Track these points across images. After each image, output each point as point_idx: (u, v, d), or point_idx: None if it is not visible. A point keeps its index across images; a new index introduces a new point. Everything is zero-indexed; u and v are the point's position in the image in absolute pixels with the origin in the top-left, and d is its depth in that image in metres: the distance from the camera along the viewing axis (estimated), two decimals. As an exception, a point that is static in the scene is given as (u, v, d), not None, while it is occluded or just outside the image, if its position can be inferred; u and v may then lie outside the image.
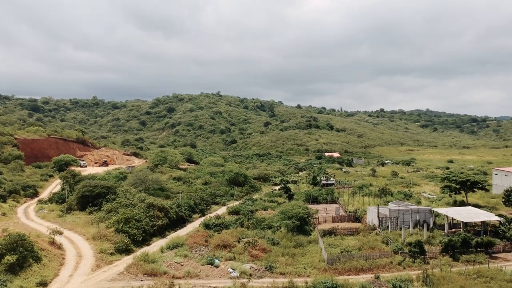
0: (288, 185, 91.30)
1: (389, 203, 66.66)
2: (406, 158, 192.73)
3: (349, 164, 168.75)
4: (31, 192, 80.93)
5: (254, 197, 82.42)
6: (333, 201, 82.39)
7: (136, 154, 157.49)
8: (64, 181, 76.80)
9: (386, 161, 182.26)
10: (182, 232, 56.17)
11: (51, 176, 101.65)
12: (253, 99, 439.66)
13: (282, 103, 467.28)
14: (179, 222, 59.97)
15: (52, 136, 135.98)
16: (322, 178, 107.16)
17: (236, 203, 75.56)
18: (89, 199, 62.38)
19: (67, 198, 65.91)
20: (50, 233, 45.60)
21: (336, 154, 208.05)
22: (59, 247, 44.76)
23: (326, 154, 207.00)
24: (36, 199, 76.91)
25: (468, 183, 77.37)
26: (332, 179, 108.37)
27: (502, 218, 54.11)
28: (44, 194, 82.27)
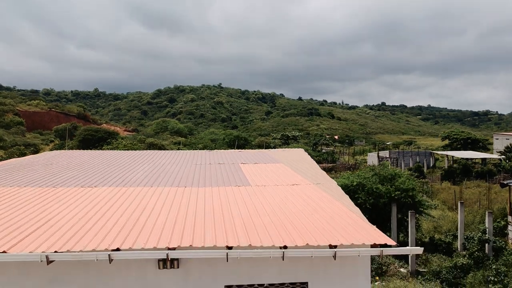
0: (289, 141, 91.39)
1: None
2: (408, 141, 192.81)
3: (350, 144, 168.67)
4: (32, 150, 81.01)
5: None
6: (333, 162, 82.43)
7: (137, 131, 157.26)
8: (65, 131, 77.11)
9: (388, 143, 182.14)
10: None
11: (52, 141, 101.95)
12: (255, 91, 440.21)
13: (284, 96, 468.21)
14: (180, 165, 60.06)
15: (53, 110, 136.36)
16: (323, 148, 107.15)
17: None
18: (90, 143, 62.43)
19: (67, 142, 66.16)
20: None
21: (337, 137, 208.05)
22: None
23: (327, 137, 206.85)
24: (37, 156, 77.12)
25: (469, 140, 77.52)
26: (332, 147, 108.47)
27: (503, 156, 54.20)
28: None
